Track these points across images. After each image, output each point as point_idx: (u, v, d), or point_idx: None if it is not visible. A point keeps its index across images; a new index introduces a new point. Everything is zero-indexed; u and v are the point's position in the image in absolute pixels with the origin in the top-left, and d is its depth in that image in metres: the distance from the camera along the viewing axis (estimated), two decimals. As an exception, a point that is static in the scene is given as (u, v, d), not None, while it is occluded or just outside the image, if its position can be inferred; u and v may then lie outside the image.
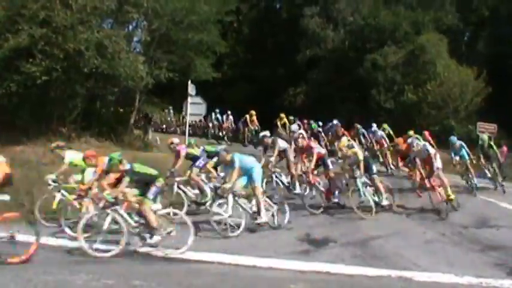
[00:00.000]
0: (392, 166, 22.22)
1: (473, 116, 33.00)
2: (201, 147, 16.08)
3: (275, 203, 12.96)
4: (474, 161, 18.78)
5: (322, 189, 15.26)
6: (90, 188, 11.78)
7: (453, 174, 17.87)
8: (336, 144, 20.81)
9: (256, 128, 30.01)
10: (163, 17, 26.30)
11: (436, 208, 14.24)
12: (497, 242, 11.53)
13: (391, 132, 24.16)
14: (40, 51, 21.46)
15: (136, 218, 10.66)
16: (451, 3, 40.10)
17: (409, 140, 18.30)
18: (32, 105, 22.55)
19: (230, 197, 12.14)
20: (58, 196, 12.87)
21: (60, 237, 11.64)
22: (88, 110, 24.68)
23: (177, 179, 14.71)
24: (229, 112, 33.24)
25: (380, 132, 24.09)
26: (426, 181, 14.96)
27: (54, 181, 13.03)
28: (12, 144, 19.68)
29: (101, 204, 10.51)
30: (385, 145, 23.10)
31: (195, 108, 24.81)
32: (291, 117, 29.50)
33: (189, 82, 24.48)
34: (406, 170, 18.60)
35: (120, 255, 10.01)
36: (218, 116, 33.45)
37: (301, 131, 23.24)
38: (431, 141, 20.58)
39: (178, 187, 14.55)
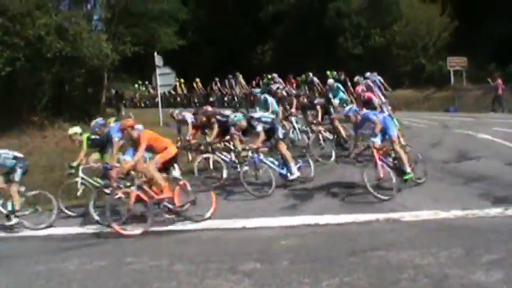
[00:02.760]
0: None
1: (442, 52, 33.16)
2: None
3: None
4: None
5: None
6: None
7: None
8: None
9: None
10: (121, -9, 25.96)
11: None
12: (479, 173, 11.71)
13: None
14: (-1, 42, 21.10)
15: None
16: None
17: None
18: (0, 98, 22.23)
19: None
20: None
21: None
22: (57, 95, 24.42)
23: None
24: None
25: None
26: None
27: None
28: (-16, 140, 19.44)
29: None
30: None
31: (164, 79, 24.64)
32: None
33: (155, 54, 24.25)
34: None
35: (110, 235, 10.02)
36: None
37: None
38: None
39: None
